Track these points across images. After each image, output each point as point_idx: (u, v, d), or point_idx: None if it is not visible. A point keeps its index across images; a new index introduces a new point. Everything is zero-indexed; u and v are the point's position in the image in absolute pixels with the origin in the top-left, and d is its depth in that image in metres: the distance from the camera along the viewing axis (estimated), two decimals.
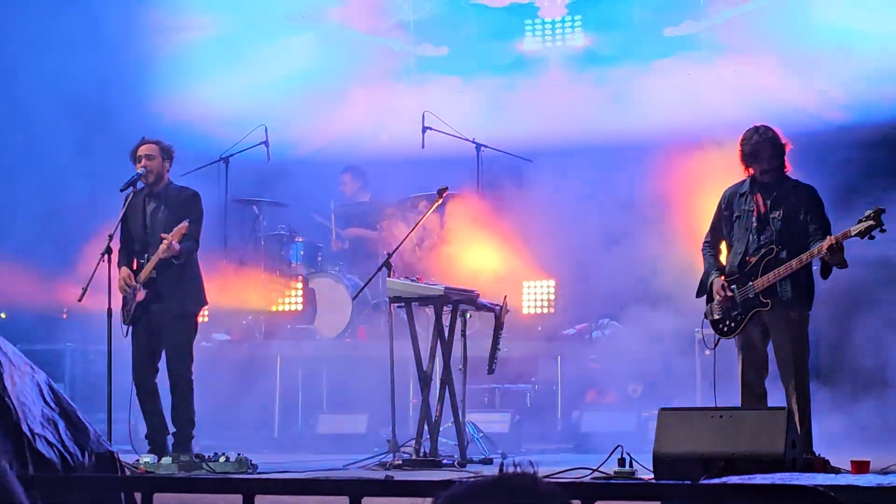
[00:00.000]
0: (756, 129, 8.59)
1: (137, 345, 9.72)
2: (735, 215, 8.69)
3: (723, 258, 8.81)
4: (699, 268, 8.92)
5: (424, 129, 13.21)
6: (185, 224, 9.50)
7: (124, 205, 9.75)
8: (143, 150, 9.83)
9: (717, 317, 8.62)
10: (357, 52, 15.67)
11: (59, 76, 14.55)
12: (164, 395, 9.78)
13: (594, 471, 8.06)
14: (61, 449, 5.51)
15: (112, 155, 11.54)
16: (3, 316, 14.18)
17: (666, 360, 12.01)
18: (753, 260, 8.52)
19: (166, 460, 9.12)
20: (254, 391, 12.40)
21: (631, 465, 8.05)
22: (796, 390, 8.34)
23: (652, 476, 7.46)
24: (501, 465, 2.50)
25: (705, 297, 8.76)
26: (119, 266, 9.73)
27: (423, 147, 13.18)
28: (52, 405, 5.72)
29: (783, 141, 8.58)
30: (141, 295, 9.67)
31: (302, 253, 13.53)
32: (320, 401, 12.77)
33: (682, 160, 11.82)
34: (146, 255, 9.71)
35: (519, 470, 2.44)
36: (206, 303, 10.03)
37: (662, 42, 14.42)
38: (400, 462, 9.40)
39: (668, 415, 7.58)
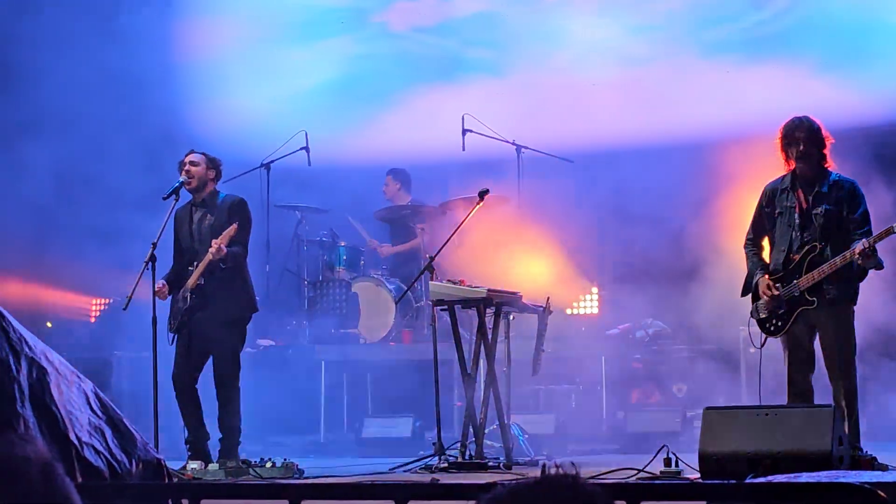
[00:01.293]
0: (796, 117, 8.56)
1: (182, 351, 9.76)
2: (777, 212, 8.64)
3: (765, 255, 8.78)
4: (743, 266, 8.88)
5: (464, 131, 13.23)
6: (234, 226, 9.54)
7: (168, 214, 9.81)
8: (188, 158, 9.91)
9: (763, 316, 8.58)
10: (396, 55, 15.70)
11: (97, 86, 14.67)
12: (208, 401, 9.82)
13: (640, 471, 8.04)
14: (108, 457, 5.54)
15: (159, 166, 11.62)
16: (49, 325, 14.28)
17: (711, 359, 11.97)
18: (797, 257, 8.48)
19: (213, 466, 9.16)
20: (299, 396, 12.43)
21: (676, 465, 8.03)
22: (843, 387, 8.30)
23: (698, 475, 7.43)
24: (543, 466, 2.51)
25: (750, 295, 8.73)
26: (166, 279, 9.79)
27: (463, 149, 13.19)
28: (99, 413, 5.76)
29: (824, 133, 8.54)
30: (188, 301, 9.72)
31: (344, 258, 13.55)
32: (365, 405, 12.80)
33: (722, 159, 11.78)
34: (195, 264, 9.77)
35: (561, 471, 2.45)
36: (256, 309, 10.05)
37: (701, 42, 14.38)
38: (445, 465, 9.39)
39: (714, 414, 7.55)
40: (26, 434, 4.82)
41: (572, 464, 2.49)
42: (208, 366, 9.78)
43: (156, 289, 9.66)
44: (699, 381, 11.82)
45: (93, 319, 14.96)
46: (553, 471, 2.46)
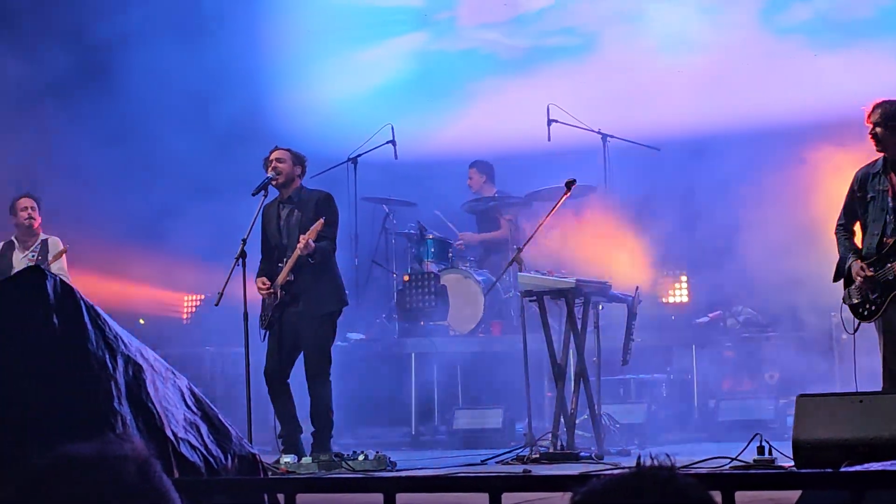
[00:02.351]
0: (879, 101, 8.49)
1: (273, 346, 9.84)
2: (869, 196, 8.56)
3: (857, 240, 8.69)
4: (835, 251, 8.79)
5: (550, 121, 13.21)
6: (321, 221, 9.59)
7: (258, 210, 9.89)
8: (274, 155, 9.97)
9: (855, 301, 8.49)
10: (479, 46, 15.71)
11: (182, 82, 14.84)
12: (300, 395, 9.89)
13: (733, 460, 7.99)
14: (204, 452, 5.60)
15: (246, 164, 11.70)
16: (142, 322, 14.44)
17: (803, 346, 11.86)
18: (891, 241, 8.38)
19: (306, 460, 9.22)
20: (389, 389, 12.49)
21: (770, 454, 7.96)
22: None
23: (791, 464, 7.37)
24: (638, 458, 2.50)
25: (842, 280, 8.64)
26: (257, 277, 9.88)
27: (549, 140, 13.18)
28: (194, 409, 5.82)
29: None
30: (279, 297, 9.80)
31: (432, 250, 13.57)
32: (455, 396, 12.81)
33: (810, 144, 11.67)
34: (284, 260, 9.84)
35: (656, 463, 2.44)
36: (346, 303, 10.09)
37: (780, 27, 14.25)
38: (537, 456, 9.40)
39: (807, 401, 7.47)
40: (123, 433, 4.89)
41: (668, 455, 2.48)
42: (300, 360, 9.85)
43: (259, 286, 9.77)
44: (791, 369, 11.71)
45: (185, 316, 15.12)
46: (648, 463, 2.45)
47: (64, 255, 11.69)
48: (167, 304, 15.23)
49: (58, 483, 2.48)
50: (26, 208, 11.85)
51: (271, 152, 10.00)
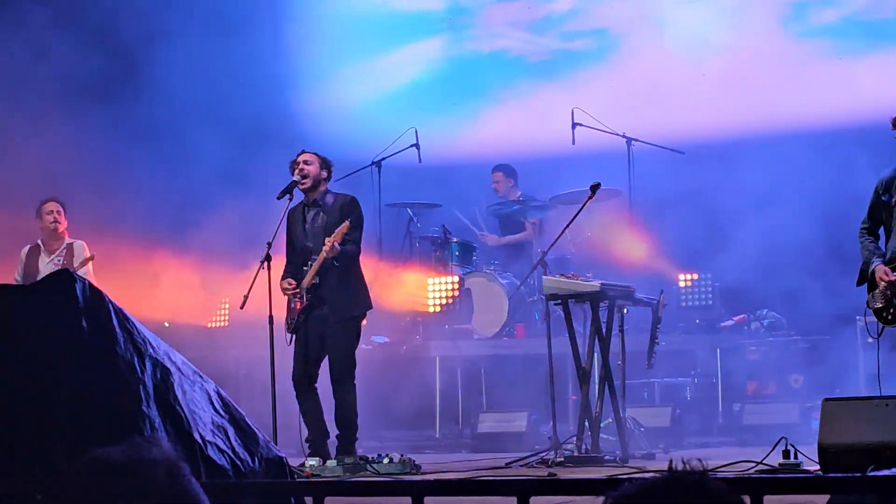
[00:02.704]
0: None
1: (300, 350, 9.86)
2: (893, 200, 8.53)
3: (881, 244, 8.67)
4: (859, 255, 8.78)
5: (574, 125, 13.21)
6: (346, 223, 9.61)
7: (283, 213, 9.91)
8: (301, 157, 9.99)
9: (879, 305, 8.48)
10: (502, 49, 15.72)
11: (207, 85, 14.91)
12: (325, 399, 9.91)
13: (758, 463, 7.98)
14: (232, 455, 5.62)
15: (271, 166, 11.74)
16: (167, 325, 14.46)
17: (828, 350, 11.84)
18: None
19: (331, 463, 9.24)
20: (414, 391, 12.50)
21: (795, 457, 7.95)
22: None
23: (817, 468, 7.36)
24: (670, 462, 2.51)
25: (866, 285, 8.62)
26: (282, 279, 9.91)
27: (573, 143, 13.17)
28: (222, 412, 5.84)
29: None
30: (304, 301, 9.82)
31: (457, 253, 13.57)
32: (480, 400, 12.82)
33: (836, 148, 11.66)
34: (309, 263, 9.86)
35: (688, 467, 2.45)
36: (370, 307, 10.11)
37: (804, 29, 14.23)
38: (562, 459, 9.40)
39: (833, 405, 7.46)
40: (152, 436, 4.91)
41: (699, 460, 2.49)
42: (325, 363, 9.87)
43: (285, 286, 9.80)
44: (816, 372, 11.70)
45: (210, 320, 15.15)
46: (679, 466, 2.46)
47: (90, 262, 11.73)
48: (192, 307, 15.26)
49: (88, 487, 2.51)
50: (52, 212, 11.89)
51: (298, 155, 10.02)
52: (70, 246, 11.91)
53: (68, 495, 2.51)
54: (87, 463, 2.54)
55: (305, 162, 9.95)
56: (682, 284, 12.71)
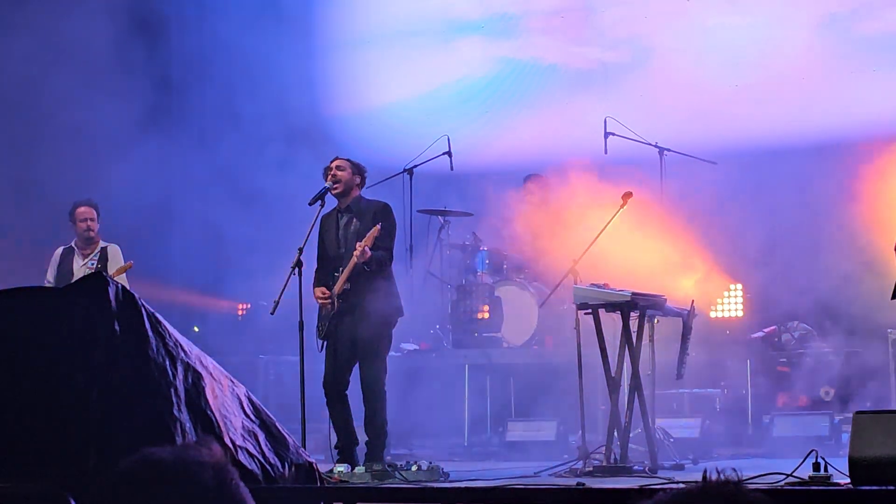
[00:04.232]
0: None
1: (331, 356, 9.86)
2: None
3: None
4: (893, 269, 8.72)
5: (607, 134, 13.19)
6: (377, 227, 9.61)
7: (314, 219, 9.92)
8: (334, 164, 10.01)
9: None
10: (536, 58, 15.70)
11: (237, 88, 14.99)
12: (355, 405, 9.92)
13: (788, 476, 7.94)
14: (262, 460, 5.65)
15: (303, 173, 11.77)
16: (196, 329, 14.51)
17: (859, 362, 11.78)
18: None
19: (359, 469, 9.22)
20: (442, 399, 12.49)
21: (826, 470, 7.90)
22: None
23: (847, 481, 7.32)
24: (704, 472, 2.50)
25: None
26: (314, 286, 9.91)
27: (605, 152, 13.15)
28: (253, 417, 5.87)
29: None
30: (335, 307, 9.82)
31: (487, 261, 13.55)
32: (509, 408, 12.80)
33: (868, 159, 11.60)
34: (340, 269, 9.86)
35: (723, 478, 2.44)
36: (402, 313, 10.10)
37: (839, 42, 14.17)
38: (590, 469, 9.37)
39: (864, 418, 7.41)
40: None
41: (734, 470, 2.48)
42: (356, 369, 9.87)
43: (318, 295, 9.82)
44: (847, 385, 11.64)
45: (240, 315, 15.21)
46: (714, 476, 2.45)
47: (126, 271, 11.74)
48: (222, 311, 15.32)
49: (136, 485, 2.52)
50: (85, 220, 11.95)
51: (332, 161, 10.04)
52: (104, 249, 11.96)
53: (120, 493, 2.52)
54: (136, 461, 2.56)
55: (339, 167, 9.96)
56: (713, 295, 12.65)
